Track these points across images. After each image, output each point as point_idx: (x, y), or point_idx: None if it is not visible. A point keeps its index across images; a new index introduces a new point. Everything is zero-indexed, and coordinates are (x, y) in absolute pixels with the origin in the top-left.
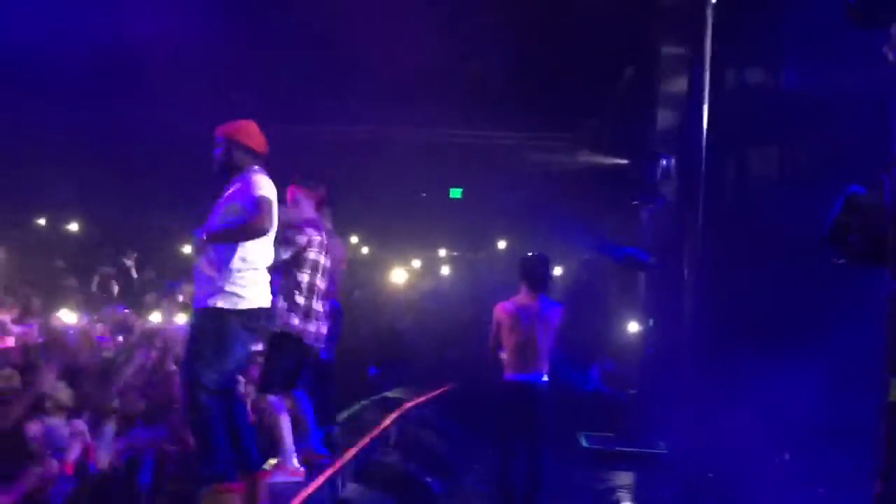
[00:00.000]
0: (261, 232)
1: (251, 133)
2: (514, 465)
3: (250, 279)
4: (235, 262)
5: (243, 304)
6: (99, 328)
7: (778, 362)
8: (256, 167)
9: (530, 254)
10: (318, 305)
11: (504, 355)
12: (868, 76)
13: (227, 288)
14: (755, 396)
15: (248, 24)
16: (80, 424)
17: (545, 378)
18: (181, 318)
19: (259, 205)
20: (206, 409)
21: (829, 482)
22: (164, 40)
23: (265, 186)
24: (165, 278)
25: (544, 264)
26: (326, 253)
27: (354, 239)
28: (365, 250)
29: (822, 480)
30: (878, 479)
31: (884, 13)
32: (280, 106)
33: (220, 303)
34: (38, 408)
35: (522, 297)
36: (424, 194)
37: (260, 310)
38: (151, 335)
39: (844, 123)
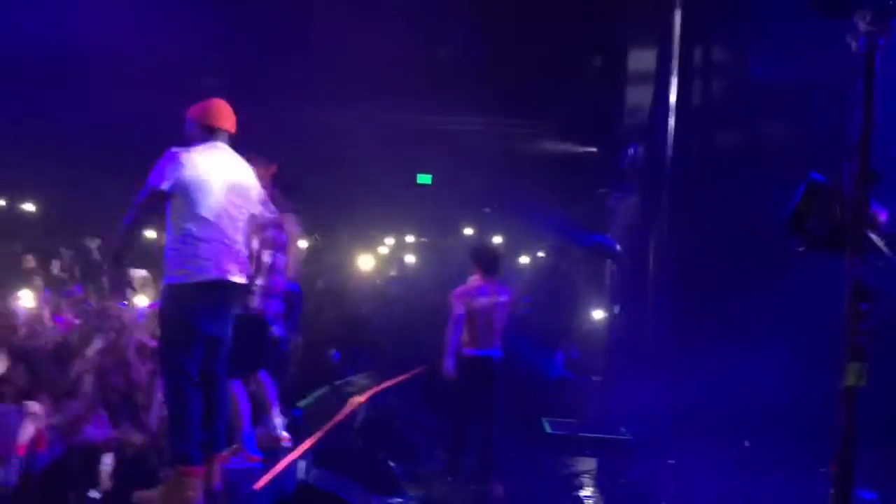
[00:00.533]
0: (129, 217)
1: (205, 110)
2: (467, 438)
3: (199, 253)
4: (177, 239)
5: (193, 279)
6: (48, 312)
7: (741, 349)
8: (207, 143)
9: (482, 243)
10: (275, 282)
11: (463, 335)
12: (832, 65)
13: (176, 264)
14: (717, 383)
15: (214, 7)
16: (34, 406)
17: (500, 354)
18: (142, 301)
19: (142, 190)
20: (173, 388)
21: (791, 468)
22: (124, 23)
23: (171, 164)
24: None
25: (495, 252)
26: (279, 230)
27: (318, 224)
28: (331, 236)
29: (783, 466)
30: (832, 462)
31: (845, 3)
32: (246, 90)
33: (174, 280)
34: None
35: (478, 281)
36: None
37: (217, 281)
38: (107, 318)
39: (809, 112)
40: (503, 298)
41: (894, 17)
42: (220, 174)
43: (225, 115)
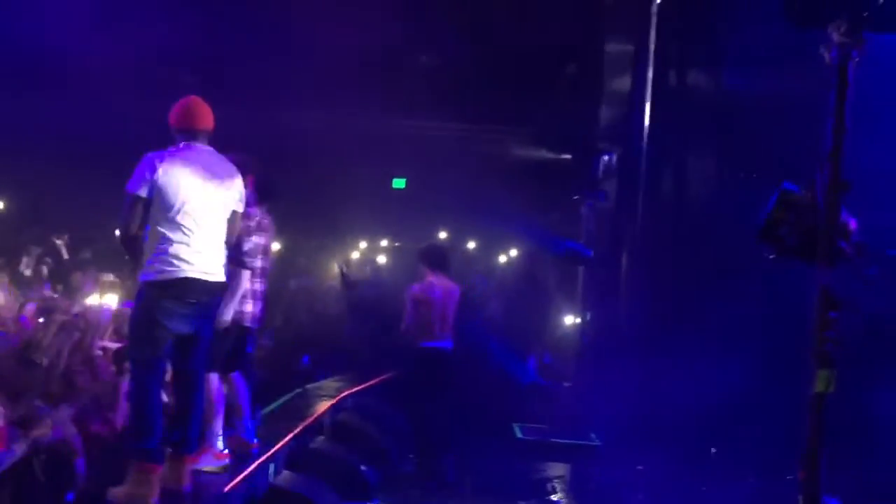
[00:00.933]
0: (122, 230)
1: (180, 110)
2: (427, 423)
3: (171, 252)
4: (152, 239)
5: (162, 277)
6: (17, 310)
7: (711, 355)
8: (185, 144)
9: (432, 242)
10: (256, 286)
11: (419, 328)
12: (804, 77)
13: (148, 263)
14: (686, 389)
15: (191, 9)
16: None
17: (451, 345)
18: (110, 299)
19: (124, 198)
20: (136, 384)
21: (759, 473)
22: (91, 19)
23: (146, 169)
24: (102, 258)
25: (443, 249)
26: (262, 231)
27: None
28: (303, 237)
29: (751, 472)
30: (802, 466)
31: (819, 14)
32: (221, 89)
33: (144, 277)
34: None
35: (432, 279)
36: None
37: (186, 280)
38: (70, 316)
39: (781, 123)
40: (454, 293)
41: (868, 29)
42: (194, 175)
43: (200, 113)
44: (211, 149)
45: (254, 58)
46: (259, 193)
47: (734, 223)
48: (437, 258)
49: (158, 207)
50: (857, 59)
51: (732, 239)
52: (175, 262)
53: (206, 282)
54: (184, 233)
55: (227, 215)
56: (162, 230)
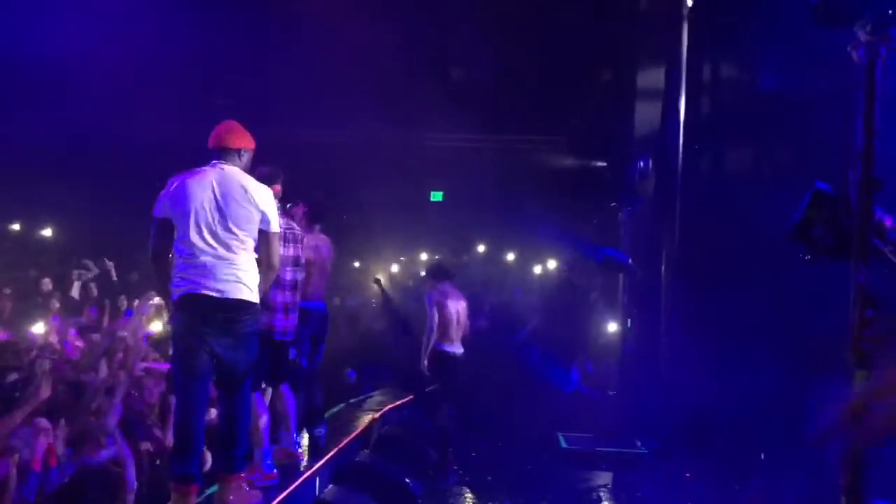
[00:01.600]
0: (150, 252)
1: (213, 133)
2: (441, 417)
3: (187, 270)
4: (175, 259)
5: (177, 294)
6: (66, 335)
7: (754, 361)
8: (208, 164)
9: (438, 258)
10: (283, 297)
11: (440, 332)
12: (835, 76)
13: (173, 283)
14: (732, 395)
15: (227, 30)
16: (42, 422)
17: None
18: (155, 326)
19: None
20: (177, 405)
21: (805, 478)
22: (141, 46)
23: (164, 192)
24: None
25: (448, 265)
26: (290, 243)
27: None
28: (348, 256)
29: (803, 475)
30: (844, 469)
31: (846, 13)
32: (257, 110)
33: (172, 297)
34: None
35: (446, 289)
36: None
37: (194, 297)
38: (115, 339)
39: (815, 122)
40: (463, 302)
41: (893, 26)
42: (203, 193)
43: (227, 133)
44: (236, 168)
45: (290, 76)
46: (310, 216)
47: (772, 226)
48: (443, 272)
49: (176, 227)
50: (884, 57)
51: (771, 241)
52: (184, 279)
53: (216, 299)
54: (192, 251)
55: (250, 233)
56: (181, 249)
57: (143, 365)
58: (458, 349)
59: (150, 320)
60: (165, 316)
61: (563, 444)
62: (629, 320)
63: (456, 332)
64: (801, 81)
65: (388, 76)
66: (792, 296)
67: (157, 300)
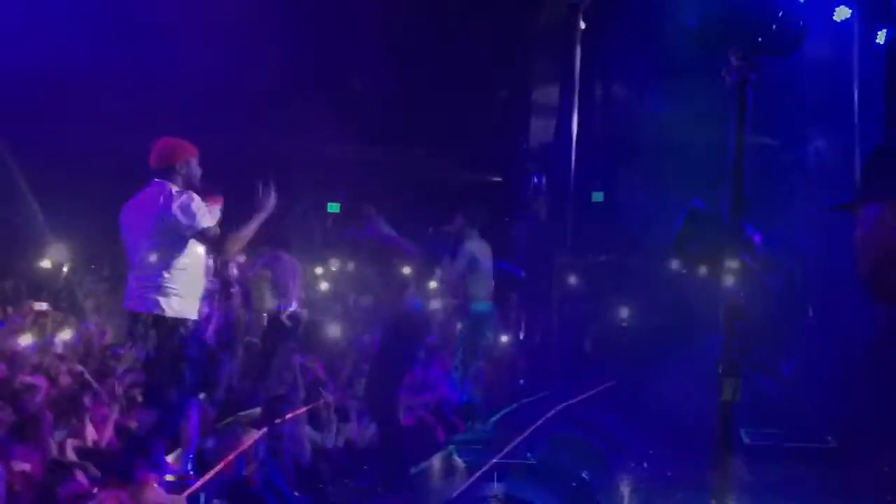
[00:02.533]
0: None
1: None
2: None
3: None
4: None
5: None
6: None
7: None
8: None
9: None
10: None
11: None
12: (712, 98)
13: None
14: None
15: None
16: None
17: None
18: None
19: None
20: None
21: None
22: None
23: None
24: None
25: None
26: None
27: None
28: None
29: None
30: (712, 470)
31: (720, 39)
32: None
33: None
34: None
35: None
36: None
37: (128, 311)
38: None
39: (696, 141)
40: None
41: (762, 55)
42: (128, 212)
43: (154, 153)
44: (156, 181)
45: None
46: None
47: (659, 237)
48: None
49: None
50: (754, 82)
51: (659, 252)
52: (127, 295)
53: (129, 312)
54: (131, 268)
55: (163, 240)
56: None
57: (23, 378)
58: None
59: (24, 331)
60: (49, 327)
61: (746, 440)
62: (521, 333)
63: None
64: (685, 102)
65: (289, 85)
66: (681, 307)
67: (43, 306)
